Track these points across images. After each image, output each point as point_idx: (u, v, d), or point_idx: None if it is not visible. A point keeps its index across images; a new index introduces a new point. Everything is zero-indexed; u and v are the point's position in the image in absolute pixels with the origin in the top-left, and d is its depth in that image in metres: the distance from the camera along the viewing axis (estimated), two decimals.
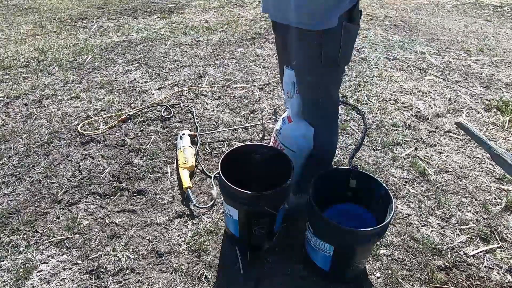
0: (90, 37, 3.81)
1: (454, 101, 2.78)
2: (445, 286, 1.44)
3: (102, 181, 1.92)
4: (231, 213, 1.43)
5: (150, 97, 2.70)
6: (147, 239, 1.61)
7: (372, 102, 2.72)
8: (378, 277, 1.47)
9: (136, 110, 2.51)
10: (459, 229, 1.70)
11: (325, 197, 1.44)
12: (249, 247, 1.55)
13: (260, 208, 1.35)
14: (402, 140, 2.29)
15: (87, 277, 1.44)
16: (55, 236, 1.61)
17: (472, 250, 1.59)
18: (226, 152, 1.49)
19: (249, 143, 2.20)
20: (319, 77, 1.37)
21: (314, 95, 1.46)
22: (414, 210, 1.79)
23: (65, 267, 1.48)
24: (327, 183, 1.45)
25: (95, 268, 1.48)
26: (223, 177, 1.36)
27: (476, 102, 2.77)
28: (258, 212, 1.38)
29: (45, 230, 1.64)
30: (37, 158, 2.07)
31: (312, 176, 1.41)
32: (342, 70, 1.43)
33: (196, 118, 2.45)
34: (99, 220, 1.70)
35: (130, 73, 3.06)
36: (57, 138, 2.24)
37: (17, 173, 1.96)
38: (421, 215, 1.77)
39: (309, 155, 1.71)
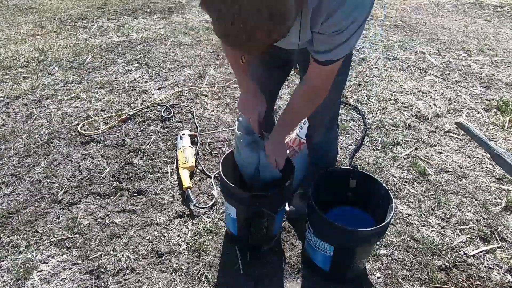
0: (90, 37, 3.81)
1: (454, 101, 2.78)
2: (445, 286, 1.44)
3: (102, 181, 1.92)
4: (230, 211, 1.44)
5: (150, 97, 2.70)
6: (147, 239, 1.61)
7: (372, 102, 2.72)
8: (378, 277, 1.47)
9: (136, 110, 2.51)
10: (459, 229, 1.70)
11: (326, 197, 1.43)
12: (247, 246, 1.55)
13: (258, 208, 1.35)
14: (402, 140, 2.29)
15: (87, 277, 1.44)
16: (55, 236, 1.61)
17: (472, 250, 1.59)
18: (228, 151, 1.50)
19: None
20: (342, 75, 1.37)
21: (334, 95, 1.45)
22: (414, 210, 1.79)
23: (65, 267, 1.48)
24: (328, 183, 1.45)
25: (95, 268, 1.48)
26: (223, 175, 1.36)
27: (476, 102, 2.77)
28: (256, 212, 1.38)
29: (45, 230, 1.64)
30: (37, 158, 2.07)
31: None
32: None
33: (196, 118, 2.45)
34: (99, 220, 1.70)
35: (130, 73, 3.06)
36: (57, 138, 2.24)
37: (17, 173, 1.96)
38: (421, 215, 1.77)
39: (312, 162, 1.71)
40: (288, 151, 1.87)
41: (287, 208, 1.64)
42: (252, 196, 1.32)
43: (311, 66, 1.11)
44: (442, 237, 1.65)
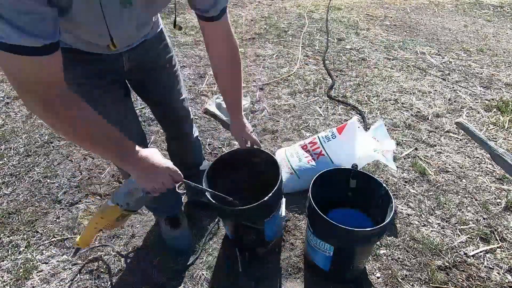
0: None
1: (454, 101, 2.78)
2: (445, 286, 1.44)
3: (102, 181, 1.92)
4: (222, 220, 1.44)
5: None
6: (147, 239, 1.61)
7: (372, 102, 2.72)
8: (378, 277, 1.47)
9: (138, 109, 2.51)
10: (459, 229, 1.70)
11: (325, 197, 1.43)
12: (241, 249, 1.55)
13: (238, 222, 1.33)
14: (402, 140, 2.29)
15: (87, 277, 1.44)
16: (55, 236, 1.61)
17: (472, 250, 1.59)
18: (214, 161, 1.44)
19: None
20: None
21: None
22: (414, 210, 1.79)
23: (65, 267, 1.48)
24: (327, 183, 1.45)
25: (95, 268, 1.48)
26: (206, 186, 1.30)
27: (476, 102, 2.77)
28: (240, 224, 1.35)
29: (45, 230, 1.64)
30: (37, 158, 2.07)
31: None
32: None
33: (196, 118, 2.45)
34: None
35: None
36: (57, 138, 2.24)
37: (17, 173, 1.96)
38: (421, 215, 1.77)
39: None
40: (305, 155, 1.83)
41: (283, 213, 1.56)
42: (231, 210, 1.28)
43: (212, 31, 1.09)
44: (442, 237, 1.65)
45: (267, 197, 1.27)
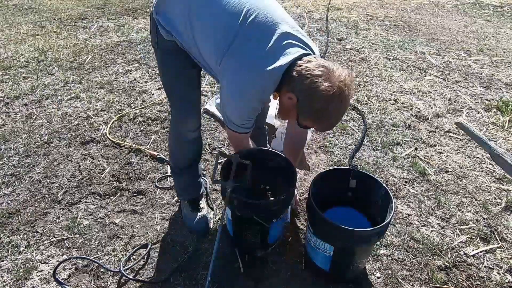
0: (90, 37, 3.81)
1: (454, 101, 2.78)
2: (445, 286, 1.44)
3: (102, 181, 1.92)
4: (227, 211, 1.43)
5: (150, 97, 2.70)
6: (147, 239, 1.61)
7: (372, 102, 2.72)
8: (378, 277, 1.47)
9: (136, 109, 2.51)
10: (459, 229, 1.70)
11: (325, 196, 1.43)
12: (241, 249, 1.54)
13: (249, 215, 1.32)
14: (402, 140, 2.29)
15: (87, 277, 1.44)
16: (55, 236, 1.61)
17: (472, 250, 1.59)
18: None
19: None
20: None
21: None
22: (414, 210, 1.79)
23: (65, 267, 1.48)
24: (327, 182, 1.45)
25: (95, 268, 1.48)
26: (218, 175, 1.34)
27: (476, 102, 2.77)
28: (248, 218, 1.35)
29: (45, 230, 1.64)
30: (37, 158, 2.07)
31: None
32: None
33: None
34: (99, 220, 1.70)
35: (130, 73, 3.06)
36: (57, 138, 2.24)
37: (17, 173, 1.96)
38: (421, 215, 1.77)
39: None
40: None
41: (288, 219, 1.59)
42: (244, 202, 1.30)
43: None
44: (442, 237, 1.65)
45: (283, 196, 1.30)
